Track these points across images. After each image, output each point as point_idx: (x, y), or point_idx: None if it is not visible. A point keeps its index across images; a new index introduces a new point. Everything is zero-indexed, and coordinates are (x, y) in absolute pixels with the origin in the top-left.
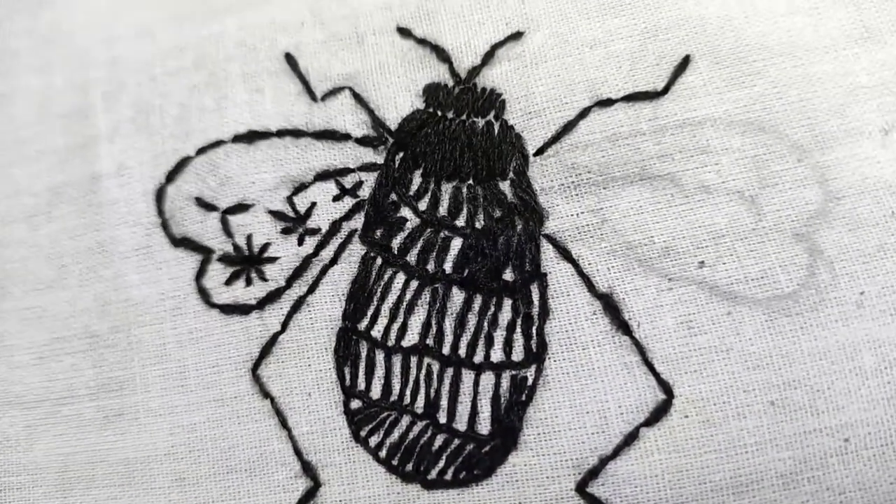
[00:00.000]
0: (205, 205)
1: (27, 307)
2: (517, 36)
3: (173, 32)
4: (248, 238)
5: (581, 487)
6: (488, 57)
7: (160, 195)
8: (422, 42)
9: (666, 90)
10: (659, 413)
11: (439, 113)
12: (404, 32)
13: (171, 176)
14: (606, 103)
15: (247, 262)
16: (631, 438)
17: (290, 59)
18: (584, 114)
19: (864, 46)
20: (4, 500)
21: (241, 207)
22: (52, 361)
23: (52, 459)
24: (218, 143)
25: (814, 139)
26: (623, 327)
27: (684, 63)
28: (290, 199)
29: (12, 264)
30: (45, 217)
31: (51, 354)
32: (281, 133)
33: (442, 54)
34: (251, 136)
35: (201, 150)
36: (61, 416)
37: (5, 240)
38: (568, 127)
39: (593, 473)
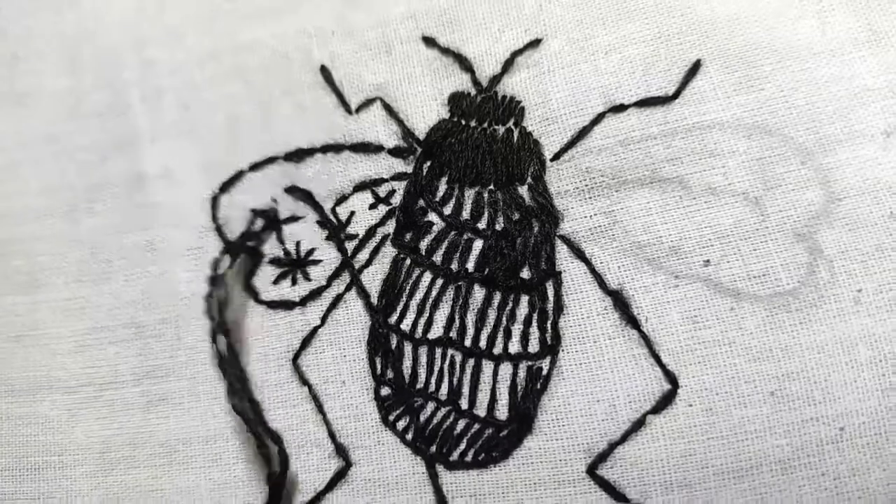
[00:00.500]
0: (261, 215)
1: (68, 298)
2: (535, 43)
3: (204, 37)
4: (297, 244)
5: (591, 470)
6: (508, 65)
7: (215, 202)
8: (446, 51)
9: (677, 95)
10: (665, 402)
11: (463, 122)
12: (429, 42)
13: (226, 187)
14: (620, 108)
15: (294, 264)
16: (638, 425)
17: (326, 73)
18: (598, 119)
19: (870, 49)
20: (45, 477)
21: (293, 219)
22: (94, 349)
23: (94, 441)
24: (271, 160)
25: (818, 142)
26: (632, 322)
27: (695, 67)
28: (333, 210)
29: (47, 257)
30: (85, 212)
31: (94, 343)
32: (325, 149)
33: (465, 63)
34: (300, 154)
35: (255, 166)
36: (104, 399)
37: (40, 233)
38: (583, 132)
39: (602, 457)
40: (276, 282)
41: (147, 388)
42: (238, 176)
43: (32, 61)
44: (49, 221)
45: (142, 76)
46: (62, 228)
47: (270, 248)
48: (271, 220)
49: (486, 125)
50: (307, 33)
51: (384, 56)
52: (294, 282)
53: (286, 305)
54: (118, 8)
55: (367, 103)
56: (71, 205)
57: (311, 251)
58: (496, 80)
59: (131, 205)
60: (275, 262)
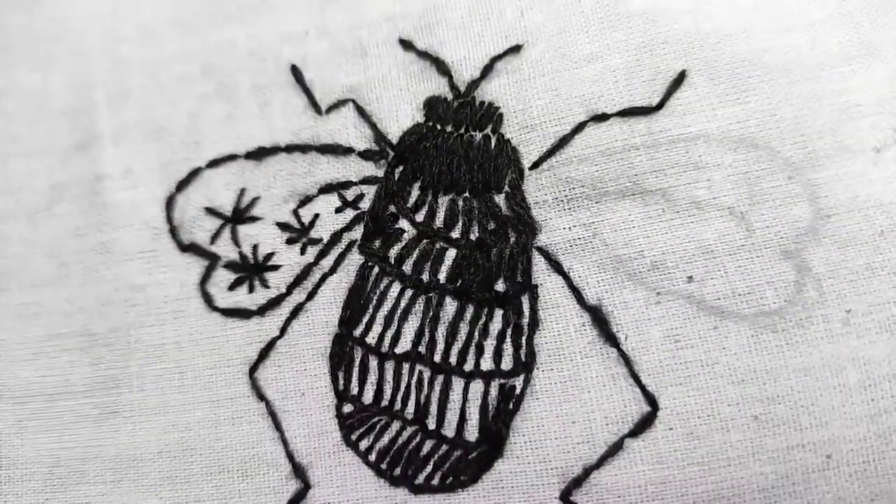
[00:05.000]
0: (216, 215)
1: (24, 303)
2: (516, 49)
3: (179, 37)
4: (255, 247)
5: (565, 496)
6: (487, 70)
7: (170, 203)
8: (423, 55)
9: (661, 105)
10: (644, 425)
11: (438, 126)
12: (406, 45)
13: (182, 185)
14: (602, 118)
15: (251, 269)
16: (615, 449)
17: (296, 72)
18: (579, 128)
19: (860, 63)
20: None
21: (250, 219)
22: (47, 357)
23: (44, 454)
24: (230, 158)
25: (806, 156)
26: (611, 339)
27: (680, 78)
28: (295, 212)
29: (9, 260)
30: (45, 214)
31: (48, 351)
32: (290, 148)
33: (442, 67)
34: (262, 153)
35: (213, 163)
36: (54, 411)
37: (2, 236)
38: (563, 141)
39: (577, 482)
40: (231, 288)
41: (98, 401)
42: (195, 174)
43: (5, 58)
44: (10, 224)
45: (110, 76)
46: (22, 231)
47: (226, 250)
48: (225, 220)
49: (462, 131)
50: (281, 34)
51: (359, 58)
52: (251, 289)
53: (243, 314)
54: (93, 6)
55: (339, 105)
56: (33, 207)
57: (269, 255)
58: (474, 85)
59: (90, 206)
60: (230, 266)
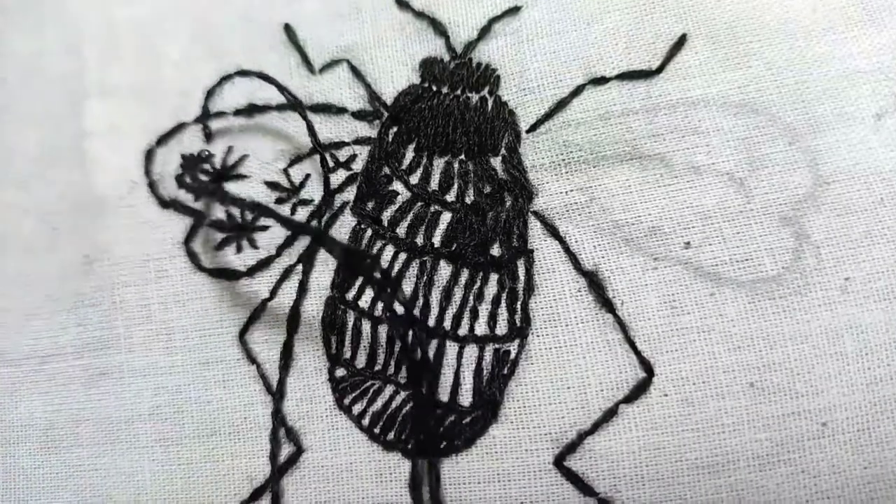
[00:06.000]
0: (201, 170)
1: (18, 269)
2: (514, 10)
3: None
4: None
5: (559, 461)
6: (485, 31)
7: (149, 156)
8: (419, 15)
9: (661, 69)
10: (639, 390)
11: (434, 88)
12: (402, 4)
13: (164, 139)
14: (600, 81)
15: (239, 228)
16: (610, 415)
17: (289, 31)
18: (577, 91)
19: (863, 29)
20: None
21: (237, 177)
22: (39, 320)
23: (37, 417)
24: (218, 115)
25: (806, 122)
26: (607, 305)
27: (680, 42)
28: (285, 171)
29: (4, 226)
30: (37, 180)
31: (41, 313)
32: (281, 107)
33: (439, 28)
34: (251, 110)
35: (200, 119)
36: (45, 373)
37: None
38: (561, 104)
39: (571, 448)
40: (218, 248)
41: (87, 362)
42: (178, 128)
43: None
44: (4, 191)
45: (101, 33)
46: (16, 198)
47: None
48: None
49: (458, 92)
50: None
51: (354, 17)
52: (239, 249)
53: (231, 275)
54: None
55: (332, 65)
56: (27, 174)
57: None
58: (471, 46)
59: (78, 166)
60: (216, 224)
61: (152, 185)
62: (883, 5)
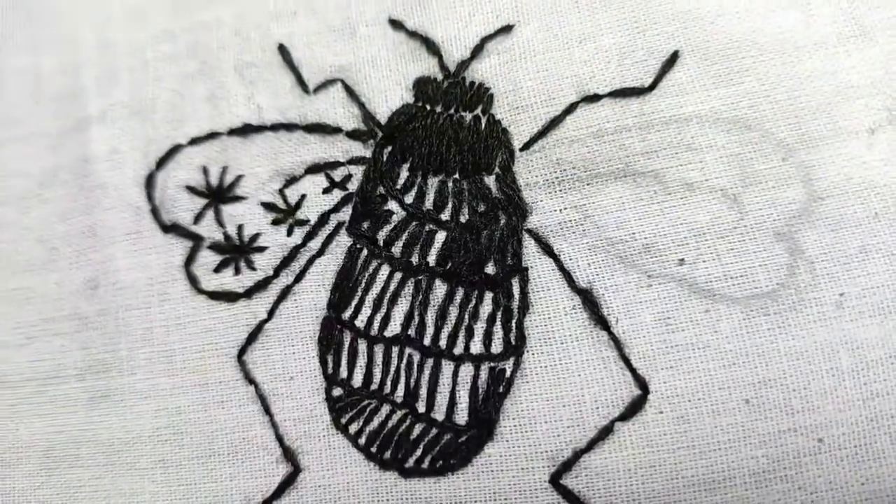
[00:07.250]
0: (197, 193)
1: (15, 288)
2: (507, 29)
3: (166, 16)
4: (239, 228)
5: (555, 479)
6: (477, 50)
7: (150, 181)
8: (413, 34)
9: (653, 86)
10: (634, 408)
11: (428, 107)
12: (396, 24)
13: (162, 162)
14: (593, 99)
15: (237, 250)
16: (605, 432)
17: (283, 51)
18: (570, 109)
19: (855, 44)
20: None
21: (234, 199)
22: (39, 342)
23: (38, 438)
24: (213, 135)
25: (800, 138)
26: (601, 322)
27: (672, 59)
28: (281, 192)
29: (1, 245)
30: (36, 200)
31: (39, 335)
32: (275, 127)
33: (432, 47)
34: (246, 130)
35: (195, 141)
36: (47, 395)
37: None
38: (554, 122)
39: (567, 466)
40: (217, 269)
41: (90, 384)
42: (175, 150)
43: None
44: (1, 210)
45: (98, 57)
46: (13, 216)
47: (210, 231)
48: (209, 199)
49: (452, 111)
50: (270, 13)
51: (348, 37)
52: (237, 270)
53: (229, 297)
54: None
55: (327, 84)
56: (24, 192)
57: (255, 236)
58: (464, 65)
59: (78, 190)
60: (215, 247)
61: (155, 211)
62: (874, 20)
